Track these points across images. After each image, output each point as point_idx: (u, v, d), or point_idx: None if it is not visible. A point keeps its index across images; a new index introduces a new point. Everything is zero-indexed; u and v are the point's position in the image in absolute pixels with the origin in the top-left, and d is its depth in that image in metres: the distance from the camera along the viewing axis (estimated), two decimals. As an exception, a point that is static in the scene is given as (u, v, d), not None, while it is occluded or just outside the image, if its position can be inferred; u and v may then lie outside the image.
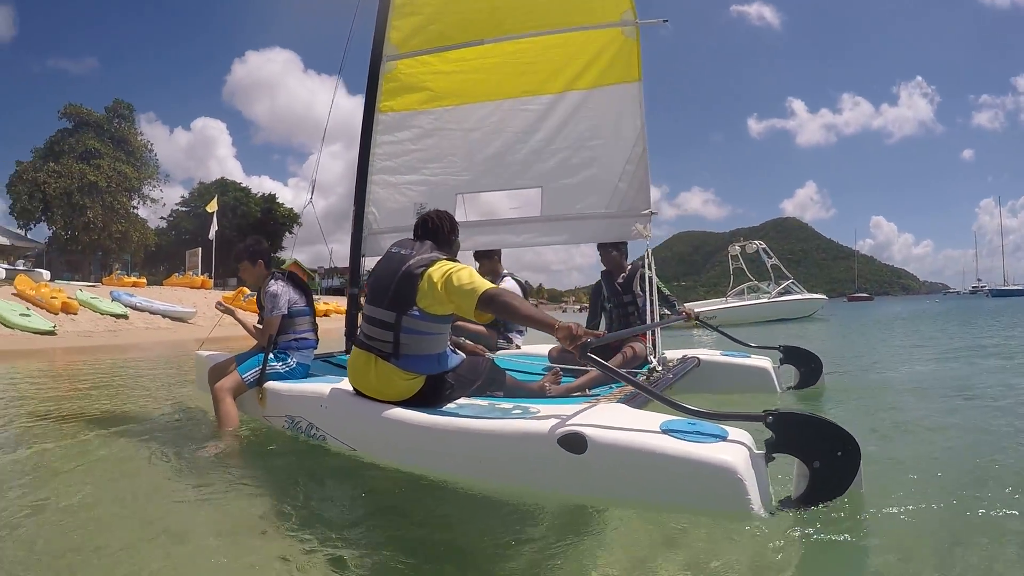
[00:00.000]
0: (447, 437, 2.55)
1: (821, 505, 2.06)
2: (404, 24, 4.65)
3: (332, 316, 25.24)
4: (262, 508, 2.40)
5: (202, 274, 33.12)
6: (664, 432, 2.20)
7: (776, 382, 4.53)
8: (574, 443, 2.22)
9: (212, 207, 28.87)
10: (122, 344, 15.15)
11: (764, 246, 24.91)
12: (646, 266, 4.19)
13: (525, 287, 5.42)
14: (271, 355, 3.69)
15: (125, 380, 7.21)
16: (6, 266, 26.53)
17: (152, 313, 21.56)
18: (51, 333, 16.03)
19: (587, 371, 3.81)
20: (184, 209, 48.42)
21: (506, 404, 2.79)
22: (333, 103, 4.93)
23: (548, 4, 4.50)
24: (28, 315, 16.54)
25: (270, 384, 3.54)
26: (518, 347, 5.22)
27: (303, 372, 3.86)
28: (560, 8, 4.48)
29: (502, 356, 4.62)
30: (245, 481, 2.74)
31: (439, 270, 2.67)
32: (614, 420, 2.34)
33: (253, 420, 3.68)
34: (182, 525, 2.26)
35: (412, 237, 3.05)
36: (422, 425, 2.62)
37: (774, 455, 2.13)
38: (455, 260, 2.84)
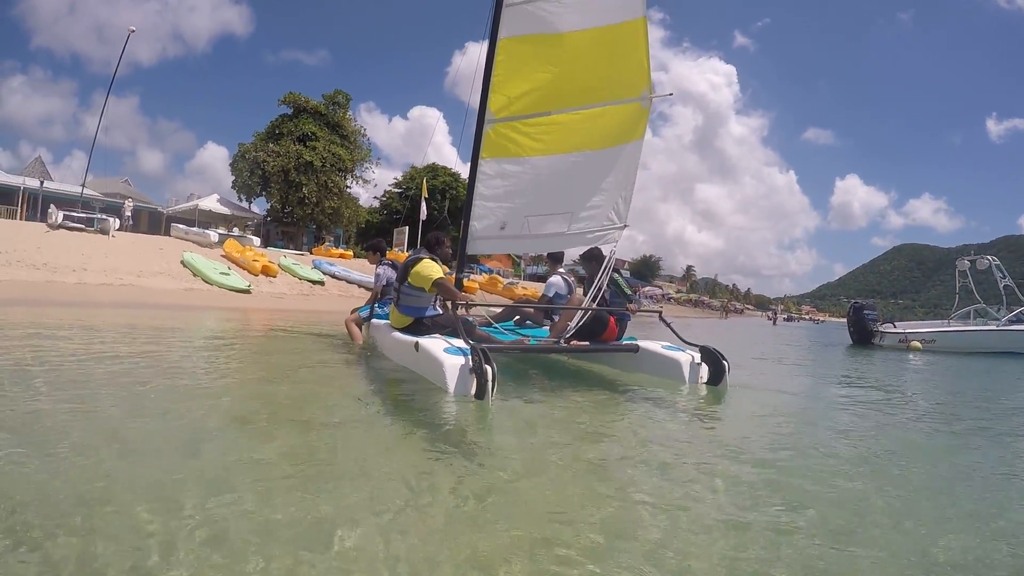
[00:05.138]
0: (396, 343, 5.70)
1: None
2: (499, 99, 7.11)
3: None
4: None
5: (407, 251, 37.04)
6: (446, 345, 4.82)
7: (686, 374, 5.80)
8: (416, 345, 5.11)
9: (423, 192, 33.66)
10: (310, 308, 17.06)
11: (997, 262, 22.62)
12: (608, 268, 6.37)
13: (571, 284, 7.55)
14: (376, 305, 6.83)
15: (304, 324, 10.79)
16: (221, 231, 30.55)
17: (349, 282, 23.61)
18: (246, 292, 18.07)
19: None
20: (397, 190, 53.03)
21: (441, 337, 5.36)
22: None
23: (594, 87, 6.86)
24: (228, 274, 19.02)
25: (373, 320, 6.85)
26: None
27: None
28: (602, 89, 6.83)
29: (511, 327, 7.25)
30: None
31: (419, 263, 5.57)
32: (442, 342, 4.99)
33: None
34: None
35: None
36: (393, 337, 5.80)
37: (474, 370, 4.40)
38: (434, 259, 5.68)
